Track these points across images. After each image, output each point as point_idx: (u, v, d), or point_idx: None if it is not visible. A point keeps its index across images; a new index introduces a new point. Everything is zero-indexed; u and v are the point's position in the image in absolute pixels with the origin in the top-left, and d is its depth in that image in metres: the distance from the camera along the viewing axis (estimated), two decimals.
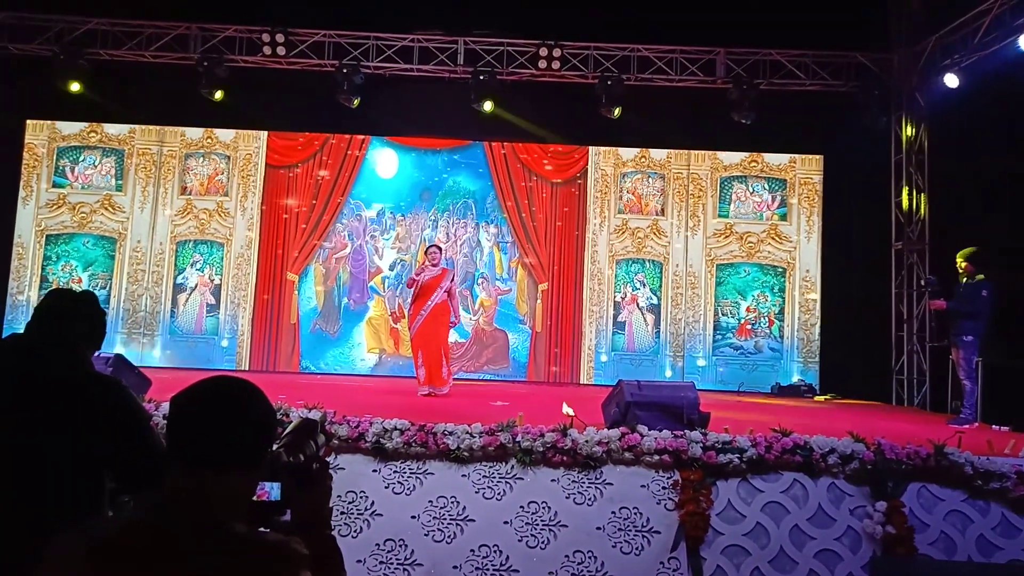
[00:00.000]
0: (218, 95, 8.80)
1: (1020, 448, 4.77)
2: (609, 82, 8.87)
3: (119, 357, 5.42)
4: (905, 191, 9.20)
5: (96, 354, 2.29)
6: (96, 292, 9.07)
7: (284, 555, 1.18)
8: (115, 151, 9.78)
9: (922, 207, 9.09)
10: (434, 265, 7.05)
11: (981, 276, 6.56)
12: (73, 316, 2.11)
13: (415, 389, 6.93)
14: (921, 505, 4.40)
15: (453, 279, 7.20)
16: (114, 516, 1.89)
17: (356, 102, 8.88)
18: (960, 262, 6.72)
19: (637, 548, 4.28)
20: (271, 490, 1.41)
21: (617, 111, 8.89)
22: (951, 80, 7.95)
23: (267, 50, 8.96)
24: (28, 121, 9.70)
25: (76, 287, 9.22)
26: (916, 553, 4.21)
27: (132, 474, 1.92)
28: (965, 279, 6.72)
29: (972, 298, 6.59)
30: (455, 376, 7.70)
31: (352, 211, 9.80)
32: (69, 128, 9.74)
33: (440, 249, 7.35)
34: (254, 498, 1.33)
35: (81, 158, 9.74)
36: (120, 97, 9.36)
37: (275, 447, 1.41)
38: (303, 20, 9.04)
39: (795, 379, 9.42)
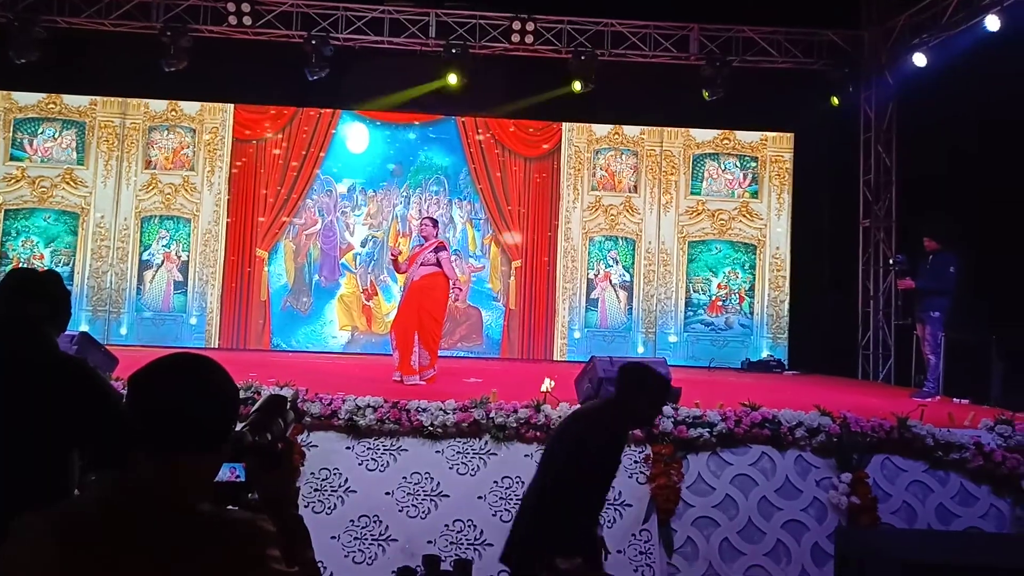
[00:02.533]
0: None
1: (979, 420, 4.92)
2: (582, 57, 8.80)
3: (84, 335, 5.32)
4: (873, 169, 9.33)
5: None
6: (59, 269, 8.85)
7: (251, 533, 1.17)
8: (75, 123, 9.47)
9: (890, 185, 9.23)
10: (426, 238, 6.35)
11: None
12: (37, 296, 2.06)
13: (387, 366, 6.74)
14: (884, 476, 4.52)
15: (437, 250, 6.27)
16: (78, 497, 1.86)
17: (313, 73, 8.62)
18: (926, 239, 6.86)
19: (609, 521, 4.33)
20: (239, 470, 1.39)
21: (578, 85, 8.79)
22: (919, 59, 8.03)
23: (232, 20, 8.69)
24: None
25: (38, 263, 9.01)
26: (879, 522, 4.34)
27: (104, 453, 1.90)
28: (931, 256, 6.86)
29: (939, 274, 6.73)
30: None
31: (322, 186, 9.65)
32: (27, 99, 9.41)
33: (433, 222, 6.50)
34: (223, 479, 1.31)
35: (40, 130, 9.42)
36: (79, 67, 9.04)
37: (241, 426, 1.39)
38: None
39: (764, 355, 9.57)
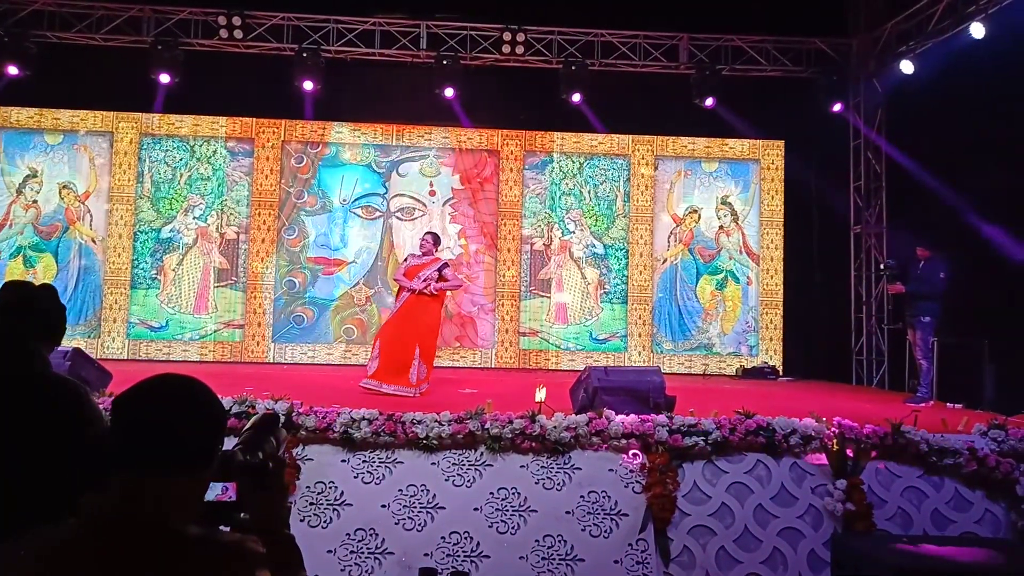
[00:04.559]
0: None
1: (972, 425, 4.93)
2: (573, 67, 8.85)
3: (77, 351, 5.28)
4: (863, 176, 9.39)
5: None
6: (53, 284, 8.80)
7: (239, 555, 1.16)
8: (67, 137, 9.45)
9: (880, 191, 9.29)
10: (425, 254, 6.47)
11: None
12: (30, 311, 2.03)
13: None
14: (879, 482, 4.53)
15: (442, 269, 6.39)
16: (61, 523, 1.84)
17: (305, 86, 8.70)
18: (919, 248, 6.91)
19: (606, 531, 4.33)
20: (231, 490, 1.38)
21: (577, 96, 8.88)
22: (906, 66, 8.10)
23: (224, 33, 8.74)
24: None
25: (31, 279, 8.95)
26: (875, 529, 4.34)
27: (91, 477, 1.87)
28: (922, 262, 6.91)
29: (930, 280, 6.77)
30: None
31: (316, 199, 9.65)
32: (18, 114, 9.39)
33: (434, 237, 6.58)
34: (213, 499, 1.30)
35: (31, 145, 9.40)
36: (70, 82, 9.05)
37: (233, 444, 1.38)
38: (261, 2, 8.82)
39: (759, 362, 9.59)
